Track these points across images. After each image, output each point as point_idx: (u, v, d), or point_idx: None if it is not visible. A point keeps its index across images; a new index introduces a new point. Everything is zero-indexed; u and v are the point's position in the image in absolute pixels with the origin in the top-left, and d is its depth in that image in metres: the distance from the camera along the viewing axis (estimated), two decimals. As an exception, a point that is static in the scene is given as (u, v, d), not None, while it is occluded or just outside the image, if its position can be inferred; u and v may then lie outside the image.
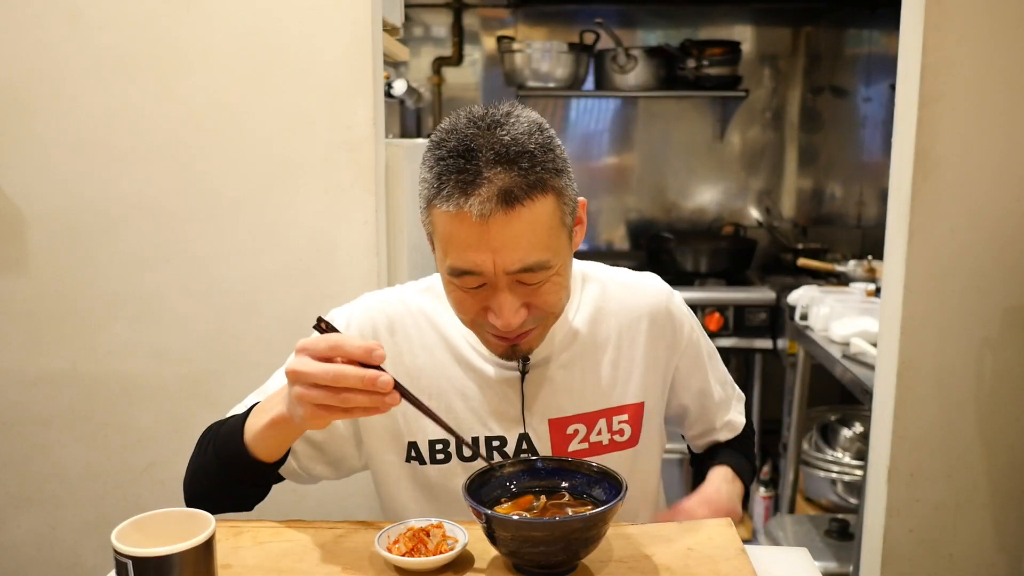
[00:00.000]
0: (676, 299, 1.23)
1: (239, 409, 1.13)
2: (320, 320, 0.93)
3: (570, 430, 1.13)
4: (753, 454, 1.34)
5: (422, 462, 1.15)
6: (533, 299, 1.01)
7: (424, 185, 0.99)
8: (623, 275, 1.23)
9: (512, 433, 1.13)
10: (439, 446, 1.14)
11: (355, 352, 0.87)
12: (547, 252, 0.97)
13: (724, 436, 1.31)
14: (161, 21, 1.60)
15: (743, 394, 1.35)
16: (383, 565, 0.94)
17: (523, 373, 1.13)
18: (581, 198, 1.06)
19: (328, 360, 0.88)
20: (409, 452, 1.15)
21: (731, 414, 1.31)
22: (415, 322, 1.16)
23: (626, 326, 1.18)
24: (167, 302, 1.68)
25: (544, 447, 1.13)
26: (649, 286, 1.22)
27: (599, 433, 1.15)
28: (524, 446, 1.13)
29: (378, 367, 0.88)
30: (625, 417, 1.16)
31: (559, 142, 1.02)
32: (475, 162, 0.94)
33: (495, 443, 1.13)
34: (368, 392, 0.87)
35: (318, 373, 0.87)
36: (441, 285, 1.07)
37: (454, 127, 0.98)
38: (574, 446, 1.14)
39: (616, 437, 1.16)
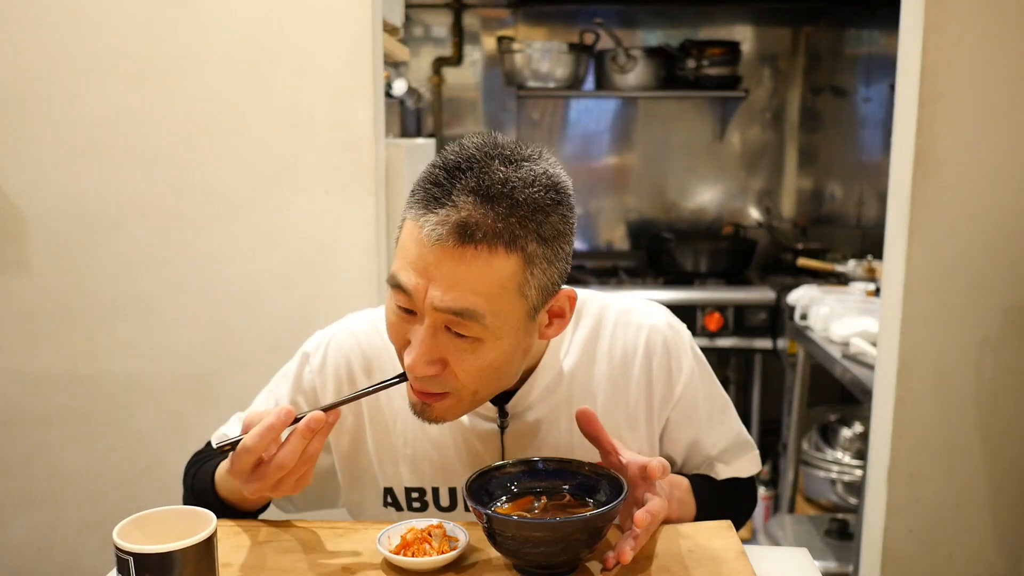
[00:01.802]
0: (679, 339, 1.08)
1: (221, 430, 1.11)
2: (210, 446, 0.95)
3: None
4: (733, 509, 1.08)
5: (399, 508, 1.09)
6: (452, 359, 0.89)
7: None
8: (623, 307, 1.09)
9: None
10: (415, 494, 1.08)
11: (274, 423, 0.87)
12: (484, 304, 0.85)
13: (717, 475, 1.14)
14: (161, 22, 1.60)
15: (757, 454, 1.16)
16: (383, 565, 0.94)
17: (502, 428, 1.04)
18: (567, 287, 0.93)
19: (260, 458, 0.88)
20: (385, 498, 1.10)
21: (729, 469, 1.13)
22: (392, 361, 1.05)
23: (618, 369, 1.06)
24: (167, 302, 1.68)
25: None
26: (648, 322, 1.07)
27: None
28: None
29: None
30: None
31: (568, 214, 0.89)
32: (453, 182, 0.85)
33: None
34: (276, 430, 0.87)
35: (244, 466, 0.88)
36: None
37: (466, 143, 0.89)
38: None
39: None
